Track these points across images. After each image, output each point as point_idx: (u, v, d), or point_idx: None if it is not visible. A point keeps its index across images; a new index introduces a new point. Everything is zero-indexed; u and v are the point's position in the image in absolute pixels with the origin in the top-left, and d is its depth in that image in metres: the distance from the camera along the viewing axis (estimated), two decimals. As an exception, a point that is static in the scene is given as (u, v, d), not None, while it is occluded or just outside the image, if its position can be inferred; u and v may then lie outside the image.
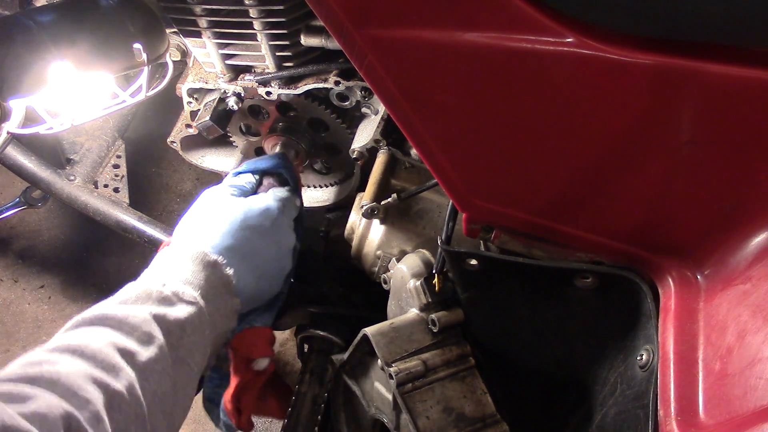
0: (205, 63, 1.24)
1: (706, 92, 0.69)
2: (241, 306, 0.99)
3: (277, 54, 1.17)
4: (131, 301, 0.84)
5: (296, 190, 1.16)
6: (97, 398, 0.69)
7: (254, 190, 1.13)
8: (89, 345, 0.75)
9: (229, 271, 0.97)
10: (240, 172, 1.14)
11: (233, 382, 1.04)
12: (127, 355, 0.77)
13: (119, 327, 0.79)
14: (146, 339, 0.80)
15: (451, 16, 0.72)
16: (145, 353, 0.78)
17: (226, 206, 1.05)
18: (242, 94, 1.26)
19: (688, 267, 0.79)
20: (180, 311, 0.86)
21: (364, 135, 1.20)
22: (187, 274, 0.92)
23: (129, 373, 0.75)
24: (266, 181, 1.14)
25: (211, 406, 1.11)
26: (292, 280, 1.24)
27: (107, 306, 0.83)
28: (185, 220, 1.06)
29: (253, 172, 1.14)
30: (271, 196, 1.09)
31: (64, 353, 0.74)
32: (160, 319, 0.83)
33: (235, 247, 1.00)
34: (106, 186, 1.57)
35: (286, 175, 1.16)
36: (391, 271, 1.08)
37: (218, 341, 0.97)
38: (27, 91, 0.96)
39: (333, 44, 1.14)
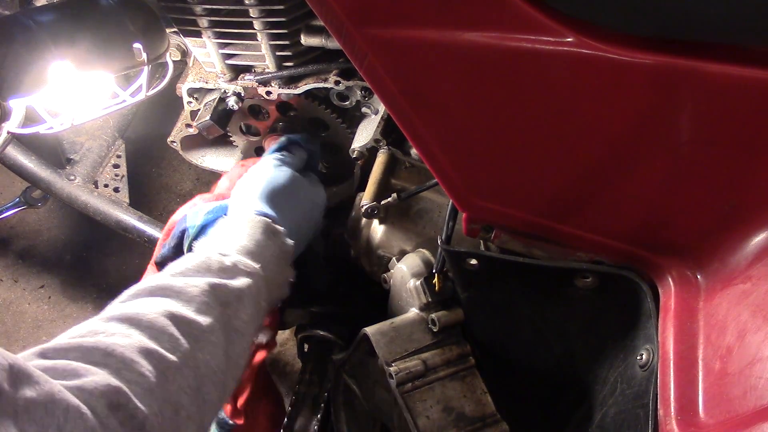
0: (205, 63, 1.24)
1: (706, 92, 0.69)
2: (293, 274, 1.01)
3: (277, 54, 1.17)
4: (191, 272, 0.85)
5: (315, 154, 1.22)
6: (149, 371, 0.71)
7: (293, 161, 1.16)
8: (146, 314, 0.76)
9: (290, 241, 0.98)
10: (278, 148, 1.18)
11: None
12: (183, 324, 0.77)
13: (177, 297, 0.80)
14: (203, 309, 0.80)
15: (451, 16, 0.72)
16: (200, 324, 0.79)
17: (278, 173, 1.08)
18: (242, 94, 1.26)
19: (688, 267, 0.79)
20: (239, 282, 0.86)
21: (364, 135, 1.20)
22: (249, 243, 0.93)
23: (183, 344, 0.76)
24: (296, 152, 1.19)
25: None
26: (291, 280, 1.24)
27: (166, 277, 0.84)
28: (243, 185, 1.07)
29: (288, 144, 1.19)
30: (304, 163, 1.16)
31: (122, 323, 0.75)
32: (218, 290, 0.83)
33: (288, 211, 1.03)
34: (106, 186, 1.57)
35: (310, 146, 1.21)
36: (391, 270, 1.08)
37: (271, 310, 0.98)
38: (27, 91, 0.96)
39: (333, 44, 1.14)
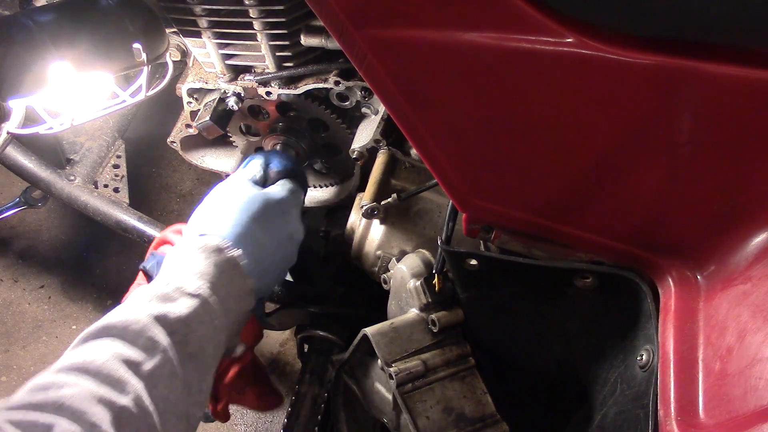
0: (205, 63, 1.24)
1: (706, 92, 0.69)
2: (254, 285, 0.98)
3: (277, 54, 1.17)
4: (134, 306, 0.84)
5: (303, 185, 1.16)
6: (103, 418, 0.70)
7: (264, 181, 1.12)
8: (94, 361, 0.75)
9: (235, 252, 0.95)
10: (250, 161, 1.14)
11: None
12: (132, 365, 0.77)
13: (122, 336, 0.79)
14: (150, 345, 0.79)
15: (451, 16, 0.72)
16: (150, 360, 0.78)
17: (237, 196, 1.05)
18: (242, 94, 1.26)
19: (688, 267, 0.79)
20: (182, 307, 0.85)
21: (364, 135, 1.20)
22: (192, 265, 0.92)
23: (135, 385, 0.75)
24: (273, 173, 1.13)
25: None
26: (291, 278, 1.24)
27: (111, 315, 0.83)
28: (196, 212, 1.05)
29: (264, 163, 1.14)
30: (284, 188, 1.09)
31: (70, 373, 0.74)
32: (162, 320, 0.82)
33: (244, 234, 0.99)
34: (106, 186, 1.57)
35: (295, 168, 1.15)
36: (391, 271, 1.08)
37: (235, 325, 0.96)
38: (27, 91, 0.96)
39: (333, 44, 1.14)
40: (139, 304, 0.84)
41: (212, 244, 0.94)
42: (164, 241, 1.07)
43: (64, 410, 0.68)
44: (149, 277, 1.02)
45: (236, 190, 1.06)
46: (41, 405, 0.69)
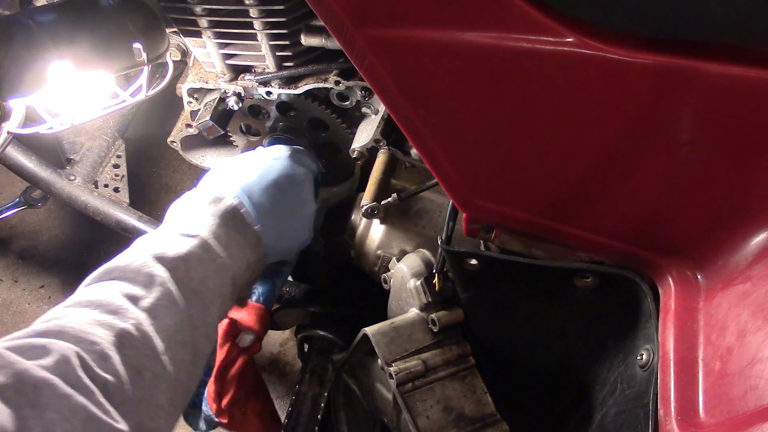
0: (205, 63, 1.24)
1: (706, 92, 0.69)
2: (262, 236, 0.99)
3: (277, 54, 1.17)
4: (134, 249, 0.87)
5: (315, 166, 1.18)
6: (102, 338, 0.73)
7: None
8: (96, 296, 0.79)
9: (235, 200, 0.97)
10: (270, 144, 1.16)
11: (218, 358, 1.05)
12: (132, 299, 0.79)
13: (123, 275, 0.82)
14: (149, 280, 0.82)
15: (451, 16, 0.72)
16: (149, 294, 0.80)
17: (248, 159, 1.07)
18: (242, 94, 1.26)
19: (688, 267, 0.79)
20: (180, 246, 0.87)
21: (364, 135, 1.20)
22: (191, 213, 0.94)
23: (135, 313, 0.78)
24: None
25: (189, 410, 1.11)
26: (291, 279, 1.24)
27: (114, 259, 0.86)
28: (229, 164, 1.07)
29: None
30: (298, 159, 1.11)
31: (73, 307, 0.78)
32: (160, 258, 0.85)
33: (252, 192, 1.01)
34: (106, 186, 1.57)
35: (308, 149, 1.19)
36: (391, 270, 1.08)
37: (243, 271, 0.96)
38: (27, 91, 0.96)
39: (333, 44, 1.14)
40: (139, 247, 0.87)
41: (211, 195, 0.96)
42: None
43: (63, 335, 0.71)
44: None
45: (249, 155, 1.09)
46: (41, 332, 0.71)
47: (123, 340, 0.74)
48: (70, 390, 0.65)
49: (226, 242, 0.92)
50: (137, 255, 0.85)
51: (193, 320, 0.83)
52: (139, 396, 0.73)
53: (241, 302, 1.05)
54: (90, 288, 0.82)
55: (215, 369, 1.05)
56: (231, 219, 0.95)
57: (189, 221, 0.93)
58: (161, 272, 0.83)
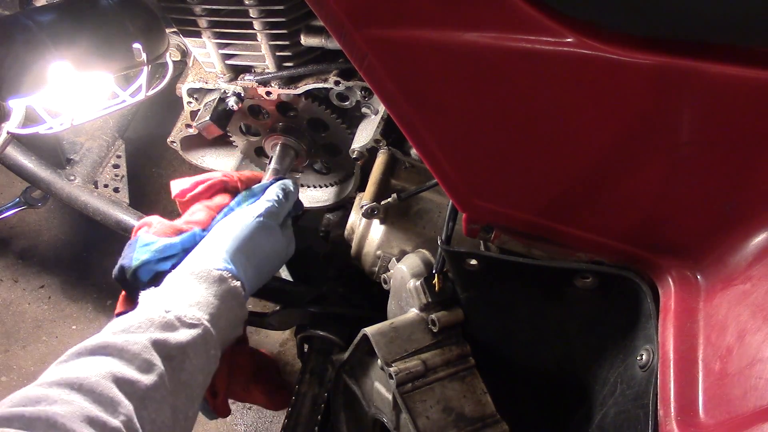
0: (205, 63, 1.24)
1: (706, 92, 0.69)
2: (247, 314, 1.00)
3: (277, 54, 1.17)
4: (133, 329, 0.84)
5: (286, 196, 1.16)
6: None
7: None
8: (88, 378, 0.75)
9: (237, 283, 0.97)
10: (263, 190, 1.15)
11: None
12: (125, 384, 0.77)
13: (119, 355, 0.79)
14: (146, 367, 0.80)
15: (451, 16, 0.72)
16: (144, 382, 0.78)
17: (230, 221, 1.06)
18: (242, 94, 1.26)
19: (688, 267, 0.79)
20: (182, 335, 0.86)
21: (364, 135, 1.20)
22: (193, 293, 0.92)
23: (127, 406, 0.75)
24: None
25: None
26: (291, 278, 1.24)
27: (108, 334, 0.83)
28: (209, 237, 1.06)
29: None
30: (265, 204, 1.09)
31: (63, 388, 0.74)
32: (160, 346, 0.83)
33: (236, 258, 1.01)
34: (106, 186, 1.57)
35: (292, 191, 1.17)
36: (391, 271, 1.08)
37: (229, 336, 0.98)
38: (27, 91, 0.96)
39: (333, 44, 1.14)
40: (138, 328, 0.84)
41: (215, 274, 0.95)
42: (140, 228, 1.08)
43: (57, 429, 0.68)
44: (125, 282, 1.03)
45: (228, 218, 1.08)
46: (33, 420, 0.68)
47: None
48: None
49: (224, 327, 0.93)
50: (137, 336, 0.82)
51: (177, 415, 0.82)
52: None
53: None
54: (81, 363, 0.78)
55: None
56: (230, 302, 0.96)
57: (191, 303, 0.91)
58: (159, 362, 0.81)
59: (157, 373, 0.80)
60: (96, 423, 0.71)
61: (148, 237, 1.06)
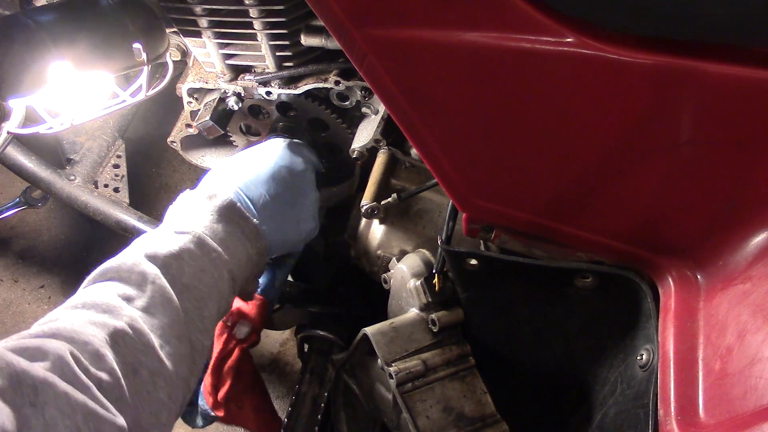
0: (205, 63, 1.24)
1: (705, 92, 0.69)
2: (261, 227, 1.00)
3: (277, 54, 1.17)
4: (128, 249, 0.88)
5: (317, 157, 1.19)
6: (95, 337, 0.73)
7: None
8: (91, 297, 0.80)
9: (229, 195, 0.97)
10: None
11: (214, 350, 1.07)
12: (127, 299, 0.81)
13: (117, 275, 0.84)
14: (141, 279, 0.83)
15: (451, 16, 0.72)
16: (142, 293, 0.82)
17: (250, 153, 1.08)
18: (242, 94, 1.26)
19: (688, 267, 0.79)
20: (172, 243, 0.88)
21: (364, 135, 1.20)
22: (186, 211, 0.95)
23: (129, 312, 0.79)
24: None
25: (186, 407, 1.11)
26: (291, 278, 1.23)
27: (109, 260, 0.87)
28: (232, 161, 1.09)
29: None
30: (295, 150, 1.12)
31: (68, 309, 0.79)
32: (152, 257, 0.86)
33: (250, 184, 1.02)
34: (106, 186, 1.57)
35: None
36: (391, 270, 1.08)
37: (242, 267, 0.97)
38: (26, 91, 0.96)
39: (333, 44, 1.14)
40: (132, 247, 0.89)
41: (207, 193, 0.97)
42: None
43: (57, 336, 0.72)
44: None
45: (246, 151, 1.09)
46: (36, 335, 0.72)
47: (116, 338, 0.75)
48: (68, 387, 0.65)
49: (223, 236, 0.93)
50: (130, 255, 0.86)
51: (188, 315, 0.84)
52: (136, 392, 0.74)
53: (247, 296, 1.05)
54: (86, 290, 0.84)
55: (212, 361, 1.06)
56: (227, 214, 0.96)
57: (184, 219, 0.94)
58: (153, 270, 0.84)
59: (152, 280, 0.83)
60: (98, 324, 0.76)
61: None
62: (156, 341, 0.78)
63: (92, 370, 0.70)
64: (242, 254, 0.95)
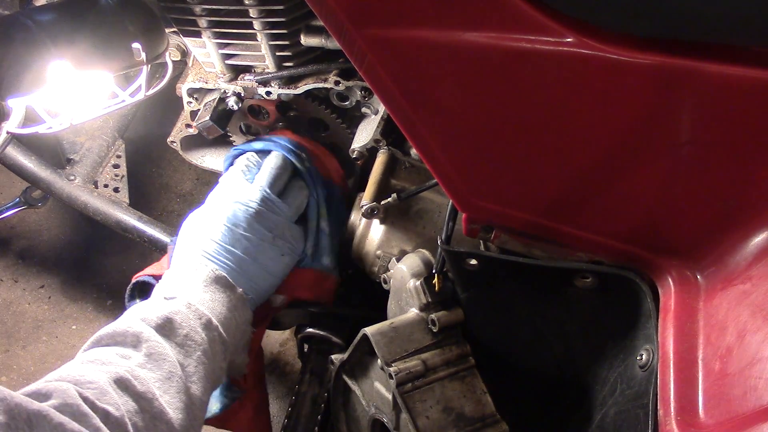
0: (205, 63, 1.24)
1: (705, 92, 0.69)
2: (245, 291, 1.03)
3: (277, 54, 1.17)
4: (122, 318, 0.90)
5: (306, 176, 1.18)
6: (100, 379, 0.75)
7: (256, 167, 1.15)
8: (89, 356, 0.82)
9: (242, 289, 1.02)
10: (237, 155, 1.19)
11: None
12: (124, 357, 0.83)
13: (113, 341, 0.85)
14: (136, 340, 0.85)
15: (451, 16, 0.72)
16: (139, 351, 0.84)
17: (224, 207, 1.08)
18: (242, 94, 1.26)
19: (688, 267, 0.79)
20: (163, 308, 0.91)
21: (364, 135, 1.20)
22: (201, 300, 0.97)
23: (128, 364, 0.81)
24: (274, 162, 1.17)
25: None
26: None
27: (102, 328, 0.88)
28: (187, 225, 1.09)
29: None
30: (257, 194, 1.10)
31: (68, 366, 0.80)
32: (145, 320, 0.88)
33: (232, 250, 1.04)
34: (106, 186, 1.57)
35: (296, 162, 1.18)
36: (391, 270, 1.08)
37: (237, 348, 1.01)
38: (26, 91, 0.96)
39: (333, 44, 1.14)
40: (125, 315, 0.91)
41: (221, 276, 1.00)
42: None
43: (61, 380, 0.74)
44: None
45: (225, 199, 1.09)
46: (40, 382, 0.73)
47: (120, 381, 0.77)
48: (64, 419, 0.66)
49: (211, 304, 0.96)
50: (123, 321, 0.88)
51: (185, 370, 0.86)
52: (140, 429, 0.75)
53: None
54: (84, 353, 0.85)
55: None
56: (240, 309, 1.01)
57: (172, 287, 0.97)
58: (147, 330, 0.86)
59: (146, 339, 0.85)
60: (101, 370, 0.78)
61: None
62: (155, 391, 0.80)
63: (98, 403, 0.71)
64: (236, 344, 1.00)
